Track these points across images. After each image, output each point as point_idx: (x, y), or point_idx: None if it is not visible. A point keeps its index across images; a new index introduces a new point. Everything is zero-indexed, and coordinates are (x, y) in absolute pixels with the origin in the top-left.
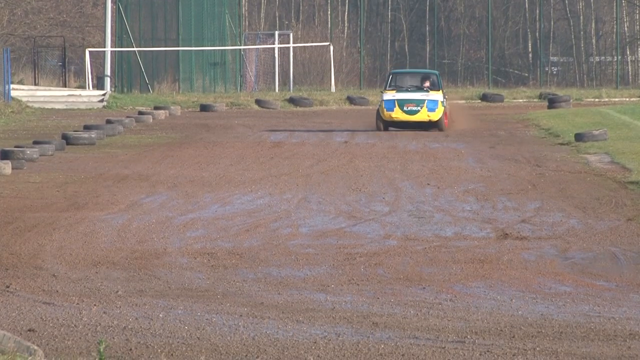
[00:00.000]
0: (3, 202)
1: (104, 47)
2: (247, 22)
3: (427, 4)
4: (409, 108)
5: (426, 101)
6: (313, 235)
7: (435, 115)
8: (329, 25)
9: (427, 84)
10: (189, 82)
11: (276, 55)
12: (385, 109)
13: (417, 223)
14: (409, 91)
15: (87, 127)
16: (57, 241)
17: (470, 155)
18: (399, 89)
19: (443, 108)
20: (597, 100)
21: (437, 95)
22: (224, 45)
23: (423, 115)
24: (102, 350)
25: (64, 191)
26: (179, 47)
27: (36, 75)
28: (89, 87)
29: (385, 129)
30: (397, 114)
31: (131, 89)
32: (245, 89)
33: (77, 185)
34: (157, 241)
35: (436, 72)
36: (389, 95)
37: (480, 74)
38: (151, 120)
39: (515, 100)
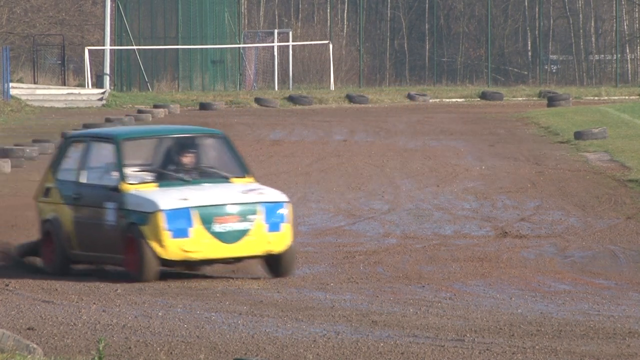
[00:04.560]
0: (2, 200)
1: (103, 46)
2: (246, 21)
3: (427, 2)
4: (227, 226)
5: (262, 206)
6: (312, 233)
7: (282, 240)
8: (329, 24)
9: (189, 159)
10: (189, 80)
11: (275, 53)
12: (167, 233)
13: (417, 221)
14: (194, 182)
15: (86, 126)
16: None
17: (470, 153)
18: (160, 176)
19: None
20: (596, 98)
21: (270, 193)
22: (224, 44)
23: (258, 244)
24: (101, 348)
25: None
26: (178, 45)
27: (35, 74)
28: (88, 86)
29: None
30: (197, 245)
31: (130, 88)
32: (245, 88)
33: None
34: None
35: (221, 132)
36: (166, 197)
37: (479, 72)
38: (150, 119)
39: (514, 99)
